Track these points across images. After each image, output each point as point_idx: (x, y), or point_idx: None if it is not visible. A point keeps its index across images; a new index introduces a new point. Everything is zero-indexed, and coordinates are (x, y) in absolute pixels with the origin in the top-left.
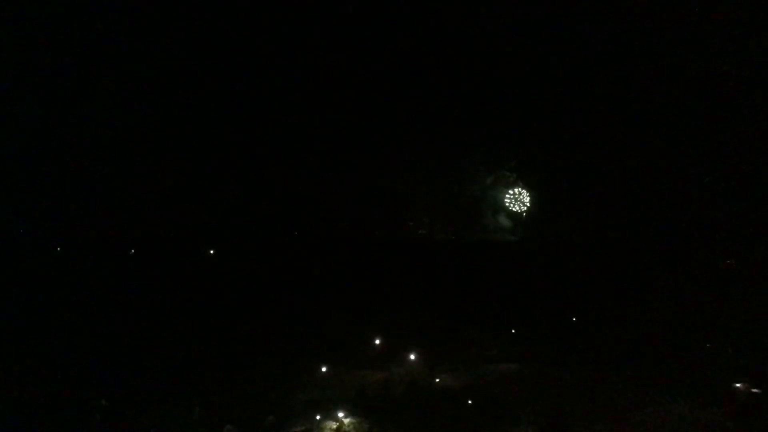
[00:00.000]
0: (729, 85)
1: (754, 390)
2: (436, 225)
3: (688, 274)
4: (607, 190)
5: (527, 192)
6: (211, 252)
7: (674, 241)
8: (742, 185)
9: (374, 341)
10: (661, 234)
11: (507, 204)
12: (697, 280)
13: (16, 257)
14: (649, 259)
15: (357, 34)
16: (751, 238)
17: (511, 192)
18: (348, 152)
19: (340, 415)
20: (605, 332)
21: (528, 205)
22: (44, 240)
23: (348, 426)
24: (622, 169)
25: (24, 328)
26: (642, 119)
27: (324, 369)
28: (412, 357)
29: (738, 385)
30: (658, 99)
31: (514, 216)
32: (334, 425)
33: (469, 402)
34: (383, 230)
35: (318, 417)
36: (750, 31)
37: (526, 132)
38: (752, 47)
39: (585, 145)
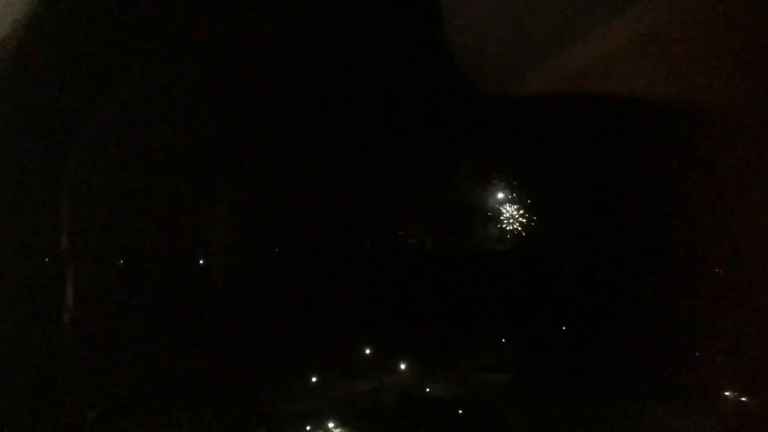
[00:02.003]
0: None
1: (743, 399)
2: (427, 234)
3: (677, 283)
4: (598, 200)
5: (519, 201)
6: (201, 262)
7: (663, 251)
8: (730, 195)
9: (364, 351)
10: (650, 244)
11: (499, 214)
12: (687, 289)
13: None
14: (639, 269)
15: (343, 38)
16: (739, 247)
17: (502, 202)
18: (337, 161)
19: (331, 425)
20: (596, 342)
21: (519, 214)
22: (30, 249)
23: None
24: (613, 179)
25: (9, 338)
26: (633, 128)
27: (314, 379)
28: (403, 366)
29: (727, 393)
30: (648, 109)
31: (505, 225)
32: None
33: (460, 411)
34: (373, 239)
35: (308, 428)
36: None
37: (516, 141)
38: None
39: (576, 154)
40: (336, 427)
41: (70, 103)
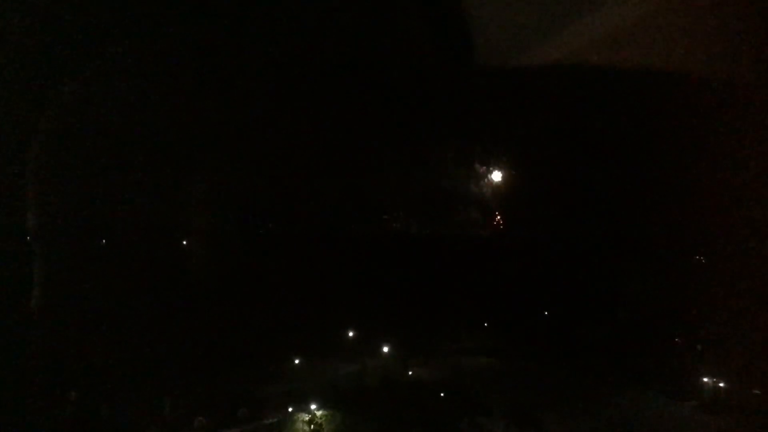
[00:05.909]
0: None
1: (721, 384)
2: (411, 219)
3: (658, 270)
4: (580, 185)
5: (501, 186)
6: (184, 243)
7: (646, 237)
8: (713, 183)
9: (347, 333)
10: (632, 230)
11: (483, 200)
12: (668, 276)
13: None
14: (621, 255)
15: (331, 18)
16: (721, 235)
17: (485, 186)
18: (322, 146)
19: (313, 407)
20: (578, 327)
21: (502, 199)
22: (15, 231)
23: (320, 418)
24: (595, 164)
25: None
26: (618, 116)
27: (297, 361)
28: (386, 349)
29: (705, 379)
30: (636, 96)
31: (488, 210)
32: (307, 417)
33: (442, 394)
34: (358, 224)
35: (290, 409)
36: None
37: (500, 126)
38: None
39: (559, 139)
40: (318, 408)
41: (37, 79)
